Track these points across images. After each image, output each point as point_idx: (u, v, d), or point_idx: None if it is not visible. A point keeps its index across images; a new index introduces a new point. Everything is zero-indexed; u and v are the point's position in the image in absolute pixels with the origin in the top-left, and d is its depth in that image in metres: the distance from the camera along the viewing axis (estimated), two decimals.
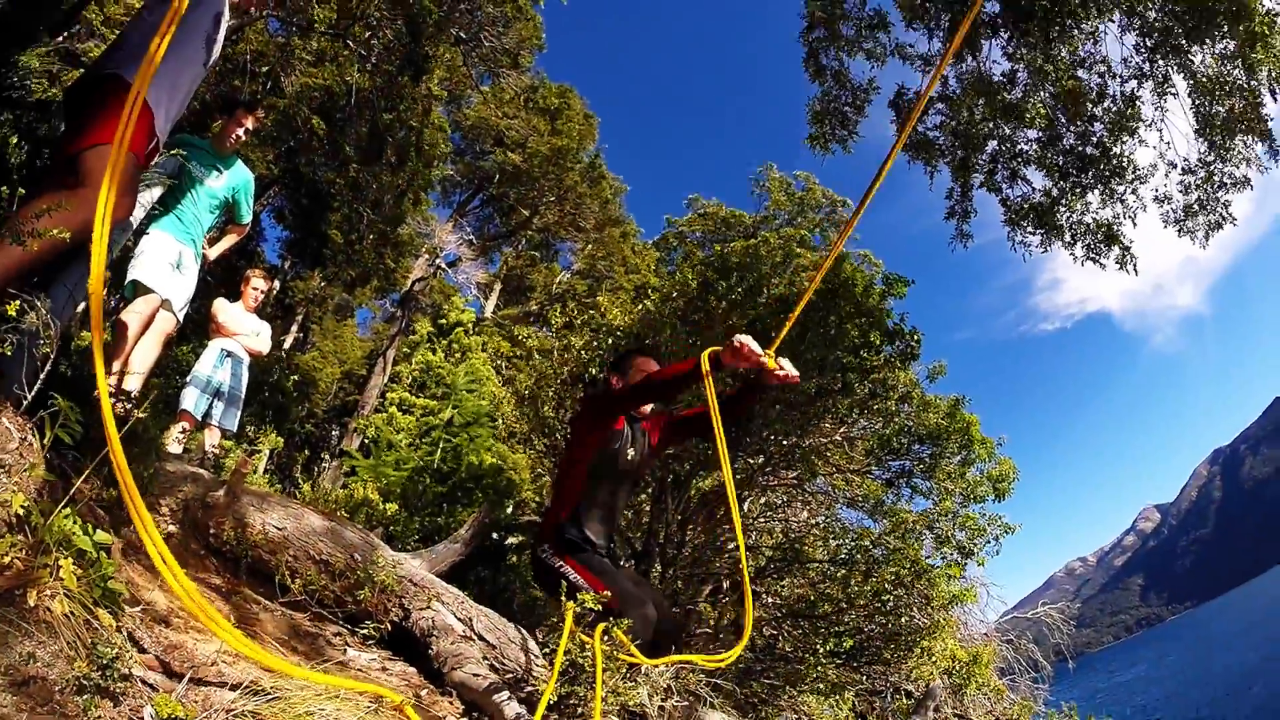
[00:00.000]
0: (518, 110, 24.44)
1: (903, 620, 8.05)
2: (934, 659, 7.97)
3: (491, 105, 24.25)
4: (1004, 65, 9.80)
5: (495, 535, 9.86)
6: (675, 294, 8.40)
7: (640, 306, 8.56)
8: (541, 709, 2.57)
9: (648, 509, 9.04)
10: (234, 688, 1.99)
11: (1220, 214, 9.90)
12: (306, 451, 23.25)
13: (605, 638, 3.07)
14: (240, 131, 5.34)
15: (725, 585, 9.71)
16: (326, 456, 23.10)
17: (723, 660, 3.30)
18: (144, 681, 1.85)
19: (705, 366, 3.27)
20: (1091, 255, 10.09)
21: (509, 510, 11.82)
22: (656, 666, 3.26)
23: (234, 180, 5.40)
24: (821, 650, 8.04)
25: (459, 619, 3.85)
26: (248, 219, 5.74)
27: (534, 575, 3.95)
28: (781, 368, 3.40)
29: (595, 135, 26.68)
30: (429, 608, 3.83)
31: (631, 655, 3.16)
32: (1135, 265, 10.07)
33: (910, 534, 8.45)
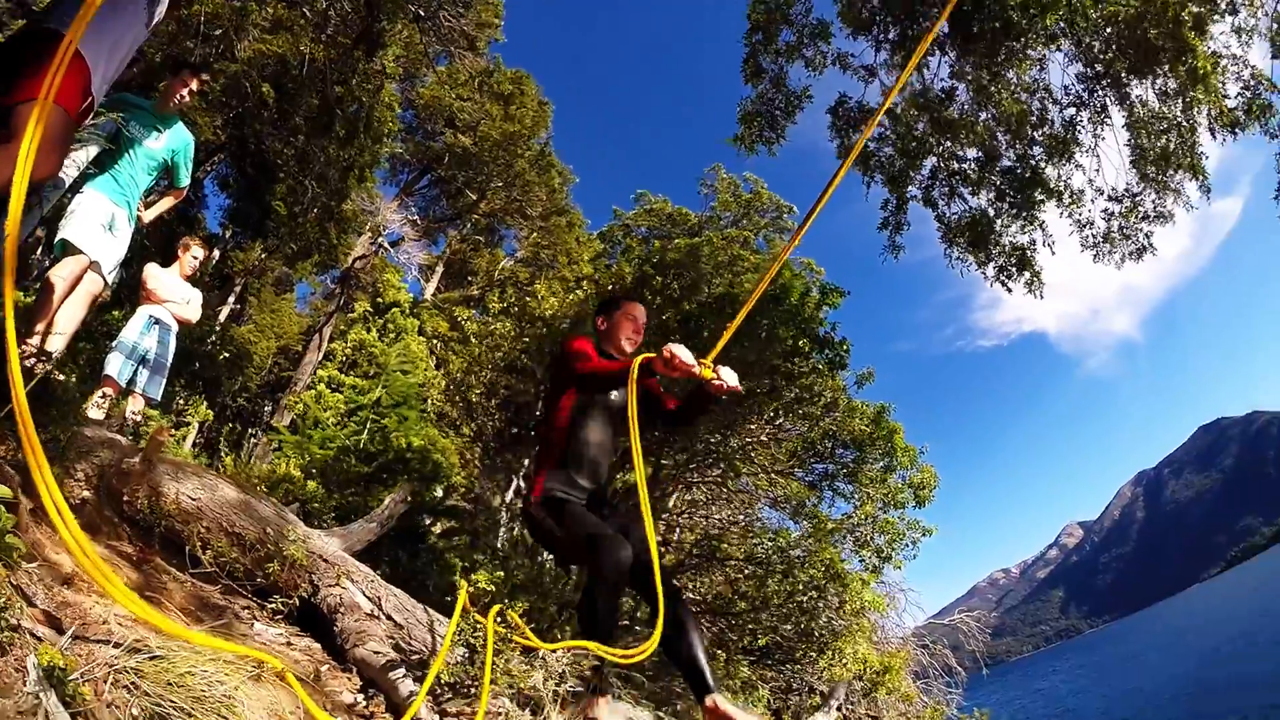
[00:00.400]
0: (471, 93, 24.31)
1: (817, 621, 8.19)
2: (845, 661, 8.14)
3: (445, 86, 24.09)
4: (948, 83, 9.99)
5: (420, 517, 9.82)
6: (611, 286, 8.45)
7: (573, 296, 8.59)
8: (426, 687, 2.63)
9: None
10: (118, 646, 2.02)
11: (1141, 243, 10.18)
12: (236, 426, 22.91)
13: (499, 620, 3.10)
14: (185, 93, 5.25)
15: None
16: (257, 432, 22.77)
17: (632, 656, 3.11)
18: (32, 634, 1.88)
19: (634, 374, 3.17)
20: (1002, 277, 10.31)
21: (438, 494, 11.77)
22: (554, 651, 3.30)
23: (174, 142, 5.30)
24: (735, 647, 8.18)
25: (367, 597, 3.89)
26: (186, 182, 5.64)
27: (530, 531, 3.76)
28: (719, 377, 3.25)
29: (549, 123, 26.67)
30: (338, 585, 3.86)
31: (527, 638, 3.21)
32: (1042, 291, 10.32)
33: (829, 537, 8.59)
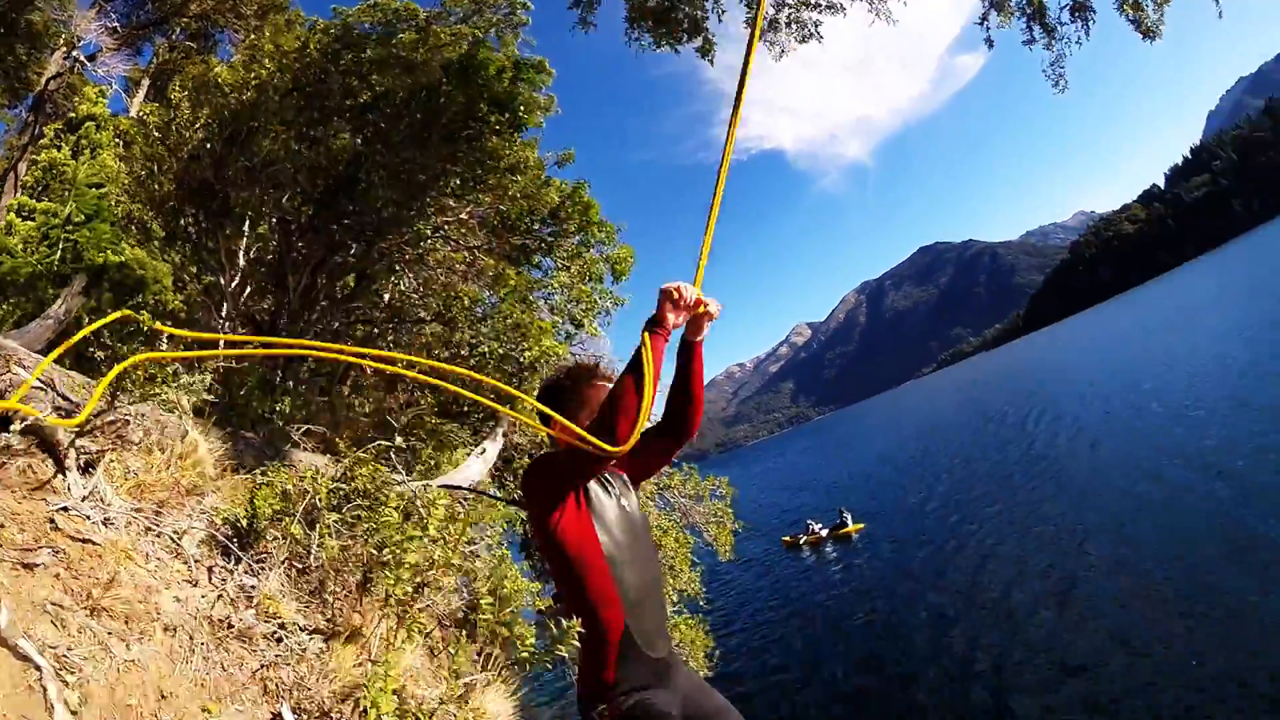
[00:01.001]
0: None
1: (505, 370, 8.84)
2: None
3: None
4: None
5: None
6: (295, 62, 8.21)
7: (257, 68, 8.24)
8: (37, 373, 2.83)
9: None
10: None
11: (809, 30, 10.90)
12: None
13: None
14: None
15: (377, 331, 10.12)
16: None
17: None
18: None
19: (648, 341, 2.33)
20: (671, 39, 10.83)
21: (147, 316, 11.29)
22: (214, 362, 3.60)
23: None
24: (432, 406, 8.77)
25: (41, 382, 4.00)
26: None
27: None
28: (707, 303, 2.54)
29: None
30: (9, 371, 3.94)
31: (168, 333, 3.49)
32: (713, 57, 10.87)
33: (513, 295, 9.15)
